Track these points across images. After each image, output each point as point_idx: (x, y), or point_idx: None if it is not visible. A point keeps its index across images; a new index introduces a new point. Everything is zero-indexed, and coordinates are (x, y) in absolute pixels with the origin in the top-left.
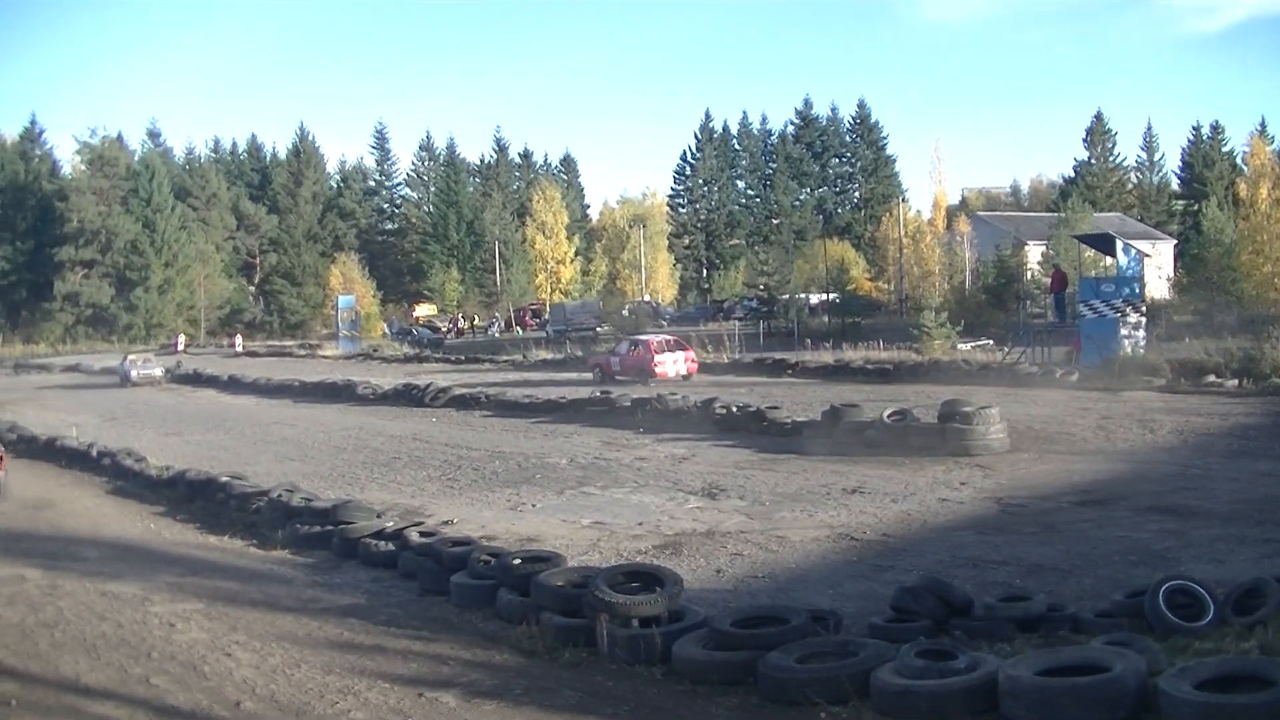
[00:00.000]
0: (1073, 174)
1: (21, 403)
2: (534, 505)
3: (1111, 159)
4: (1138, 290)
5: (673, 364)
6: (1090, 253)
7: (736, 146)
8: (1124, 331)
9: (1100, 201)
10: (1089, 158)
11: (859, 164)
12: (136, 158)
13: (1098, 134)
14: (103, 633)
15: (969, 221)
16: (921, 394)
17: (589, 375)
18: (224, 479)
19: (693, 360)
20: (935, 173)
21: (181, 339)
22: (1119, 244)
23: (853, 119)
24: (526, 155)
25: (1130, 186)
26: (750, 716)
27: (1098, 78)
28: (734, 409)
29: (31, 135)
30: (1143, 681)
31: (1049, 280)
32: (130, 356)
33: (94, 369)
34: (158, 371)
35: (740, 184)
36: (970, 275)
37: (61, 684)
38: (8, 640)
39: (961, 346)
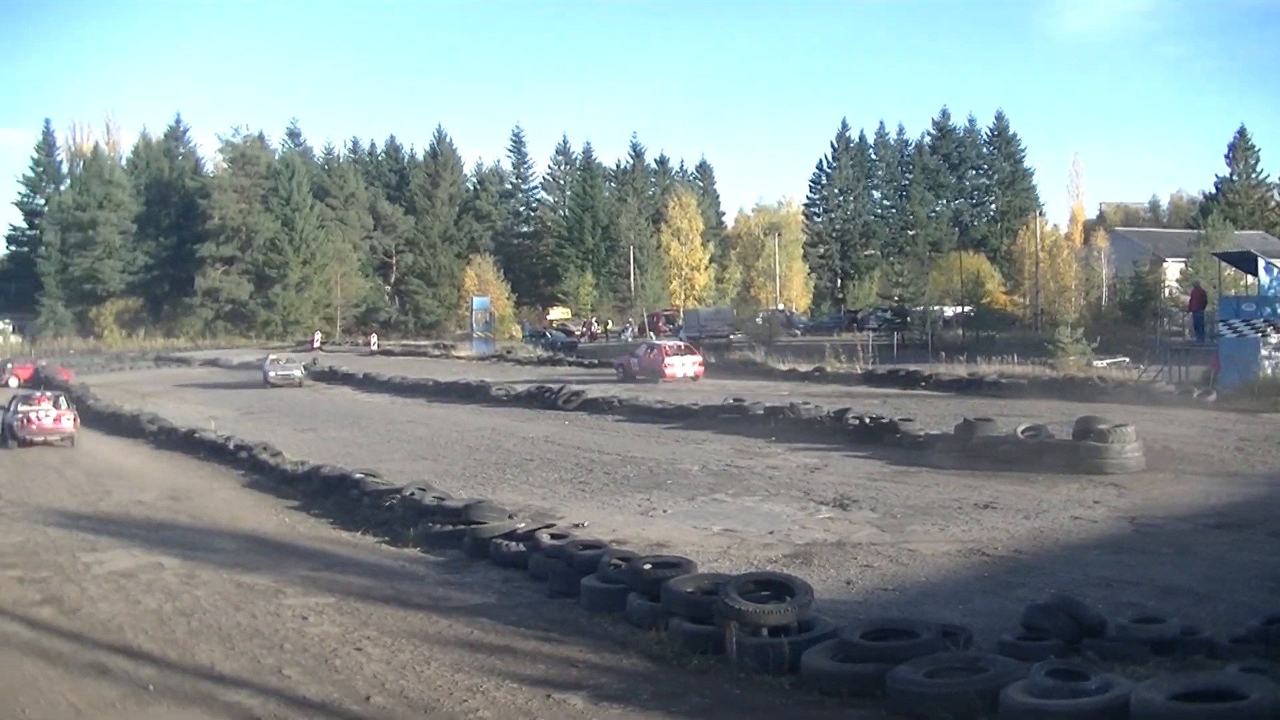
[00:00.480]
0: (1214, 190)
1: (162, 395)
2: (665, 511)
3: (1254, 176)
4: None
5: (681, 366)
6: (1231, 271)
7: (873, 156)
8: (1264, 352)
9: (1242, 219)
10: (1231, 174)
11: (996, 176)
12: (277, 157)
13: (1240, 150)
14: (237, 623)
15: (1106, 237)
16: (1055, 410)
17: (724, 381)
18: (358, 475)
19: (700, 364)
20: (1073, 186)
21: (318, 336)
22: (1261, 262)
23: (990, 130)
24: (663, 161)
25: (1273, 204)
26: None
27: (1241, 92)
28: (867, 420)
29: (176, 133)
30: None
31: (1188, 298)
32: (271, 356)
33: (232, 363)
34: (296, 373)
35: (876, 194)
36: (1107, 291)
37: (197, 671)
38: (146, 626)
39: (1097, 363)
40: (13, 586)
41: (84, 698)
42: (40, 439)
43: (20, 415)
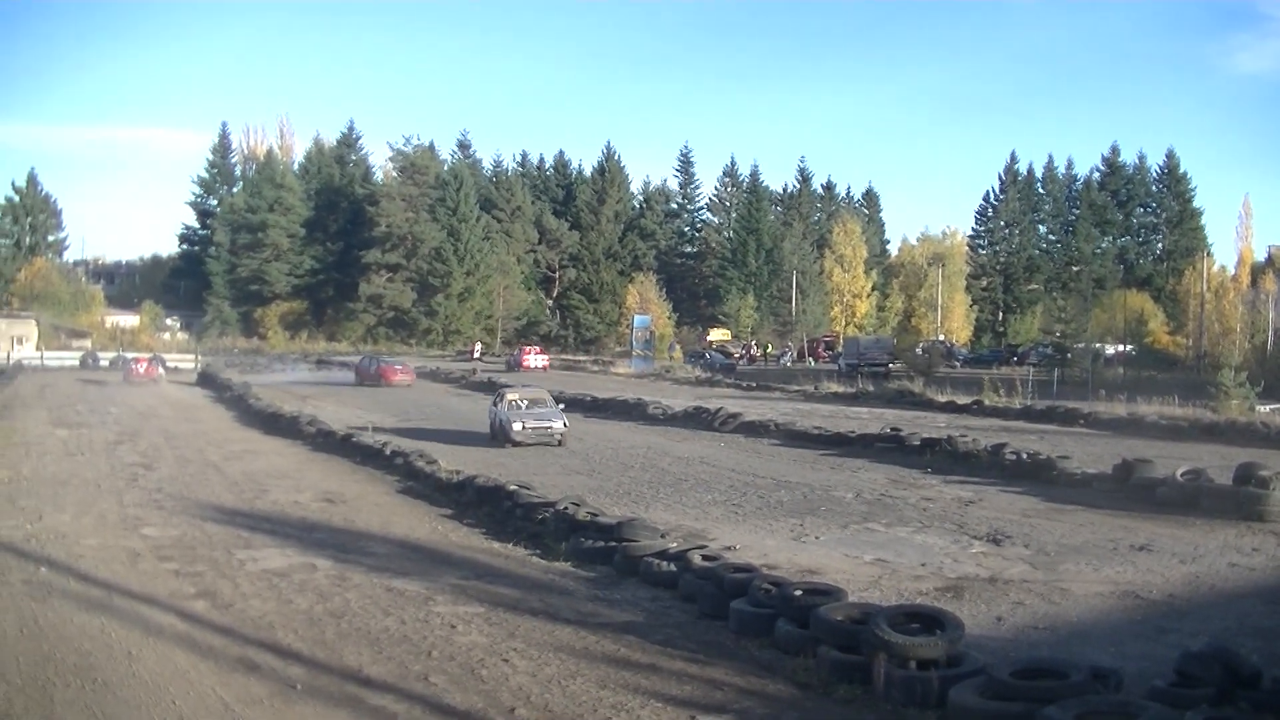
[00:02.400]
0: None
1: (321, 397)
2: (817, 537)
3: None
4: None
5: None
6: None
7: (1040, 190)
8: None
9: None
10: None
11: (1164, 215)
12: (446, 167)
13: None
14: (386, 627)
15: (1275, 280)
16: (1215, 454)
17: (881, 410)
18: (512, 487)
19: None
20: (1242, 228)
21: (478, 347)
22: None
23: (1160, 168)
24: (829, 186)
25: None
26: None
27: None
28: (1024, 455)
29: (348, 141)
30: None
31: None
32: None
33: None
34: (557, 425)
35: (1042, 228)
36: (1273, 335)
37: (344, 673)
38: (296, 626)
39: (1260, 408)
40: (169, 579)
41: (233, 692)
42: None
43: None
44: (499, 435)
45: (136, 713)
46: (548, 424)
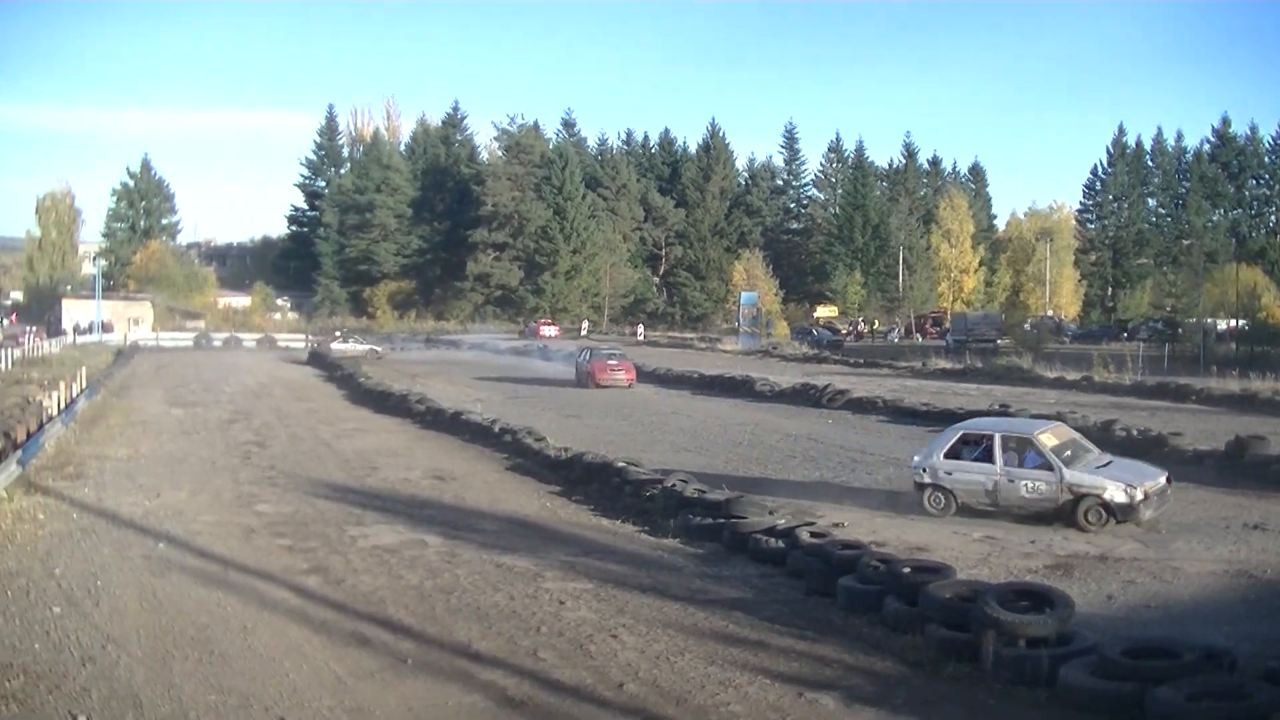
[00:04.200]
0: None
1: (430, 376)
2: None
3: None
4: None
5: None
6: None
7: (1149, 163)
8: None
9: None
10: None
11: (1277, 187)
12: (551, 146)
13: None
14: (495, 603)
15: None
16: None
17: (989, 386)
18: (620, 464)
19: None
20: None
21: (585, 325)
22: None
23: (1272, 139)
24: (935, 162)
25: None
26: None
27: None
28: (1134, 432)
29: (454, 121)
30: None
31: None
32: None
33: (500, 348)
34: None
35: (1151, 201)
36: None
37: (454, 648)
38: (407, 601)
39: None
40: (282, 555)
41: (345, 666)
42: None
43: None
44: None
45: (252, 684)
46: None
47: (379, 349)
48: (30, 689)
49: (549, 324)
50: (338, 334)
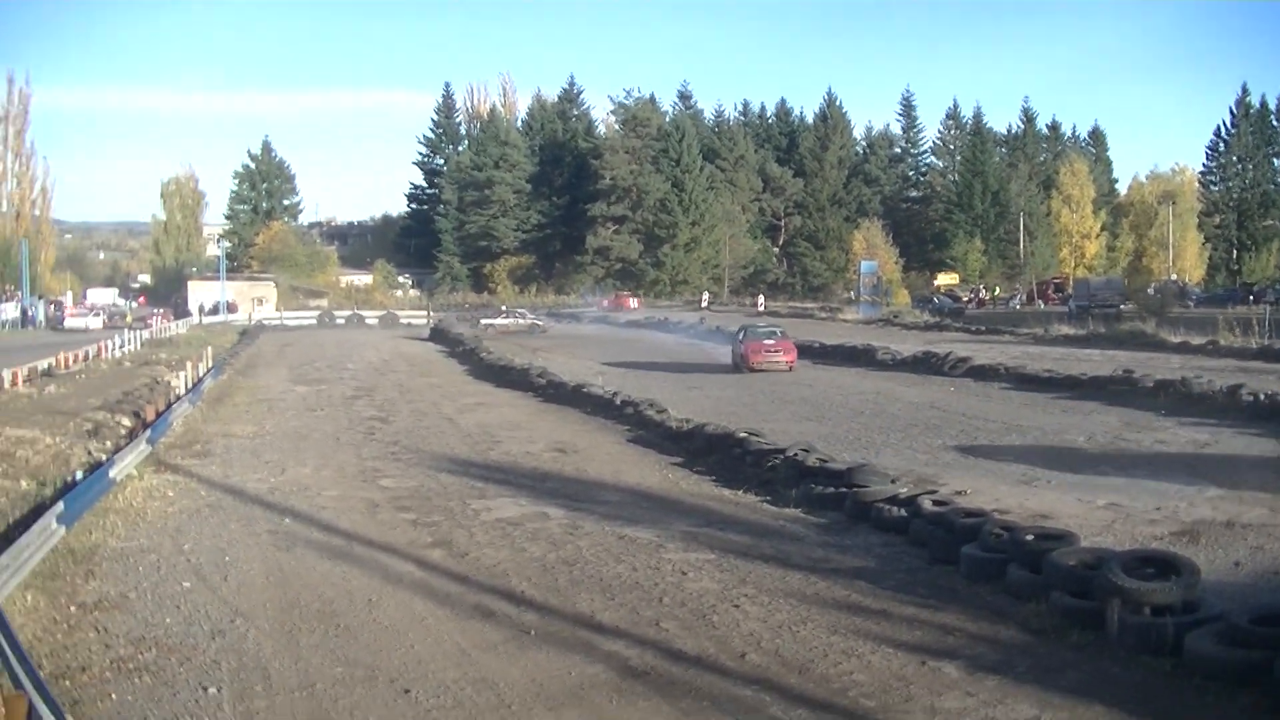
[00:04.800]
0: None
1: (551, 350)
2: (1048, 481)
3: None
4: None
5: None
6: None
7: (1275, 123)
8: None
9: None
10: None
11: None
12: (668, 119)
13: None
14: (618, 574)
15: None
16: None
17: (1113, 352)
18: (741, 435)
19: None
20: None
21: (706, 296)
22: None
23: None
24: (1054, 127)
25: None
26: None
27: None
28: (1262, 397)
29: (570, 96)
30: None
31: None
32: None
33: (619, 321)
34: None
35: (1277, 162)
36: None
37: (577, 618)
38: (530, 573)
39: None
40: (406, 529)
41: (469, 639)
42: None
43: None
44: None
45: (378, 657)
46: None
47: (541, 323)
48: (162, 661)
49: (631, 295)
50: (503, 309)
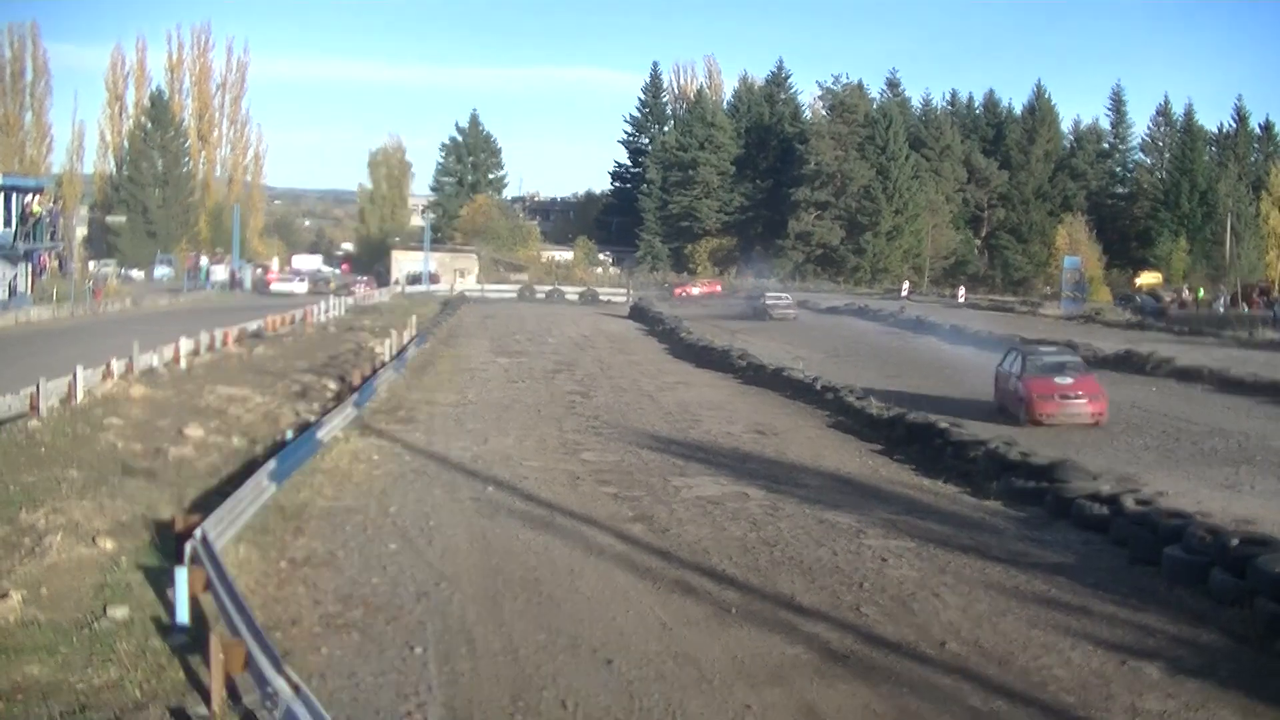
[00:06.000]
0: None
1: (752, 333)
2: (1252, 487)
3: None
4: None
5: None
6: None
7: None
8: None
9: None
10: None
11: None
12: (875, 106)
13: None
14: (818, 557)
15: None
16: None
17: None
18: (943, 425)
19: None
20: None
21: (906, 285)
22: None
23: None
24: (1267, 127)
25: None
26: None
27: None
28: None
29: (778, 79)
30: None
31: None
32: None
33: (820, 307)
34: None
35: None
36: None
37: (777, 599)
38: (730, 552)
39: None
40: (608, 502)
41: (670, 613)
42: None
43: None
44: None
45: (580, 626)
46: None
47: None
48: (370, 620)
49: (706, 284)
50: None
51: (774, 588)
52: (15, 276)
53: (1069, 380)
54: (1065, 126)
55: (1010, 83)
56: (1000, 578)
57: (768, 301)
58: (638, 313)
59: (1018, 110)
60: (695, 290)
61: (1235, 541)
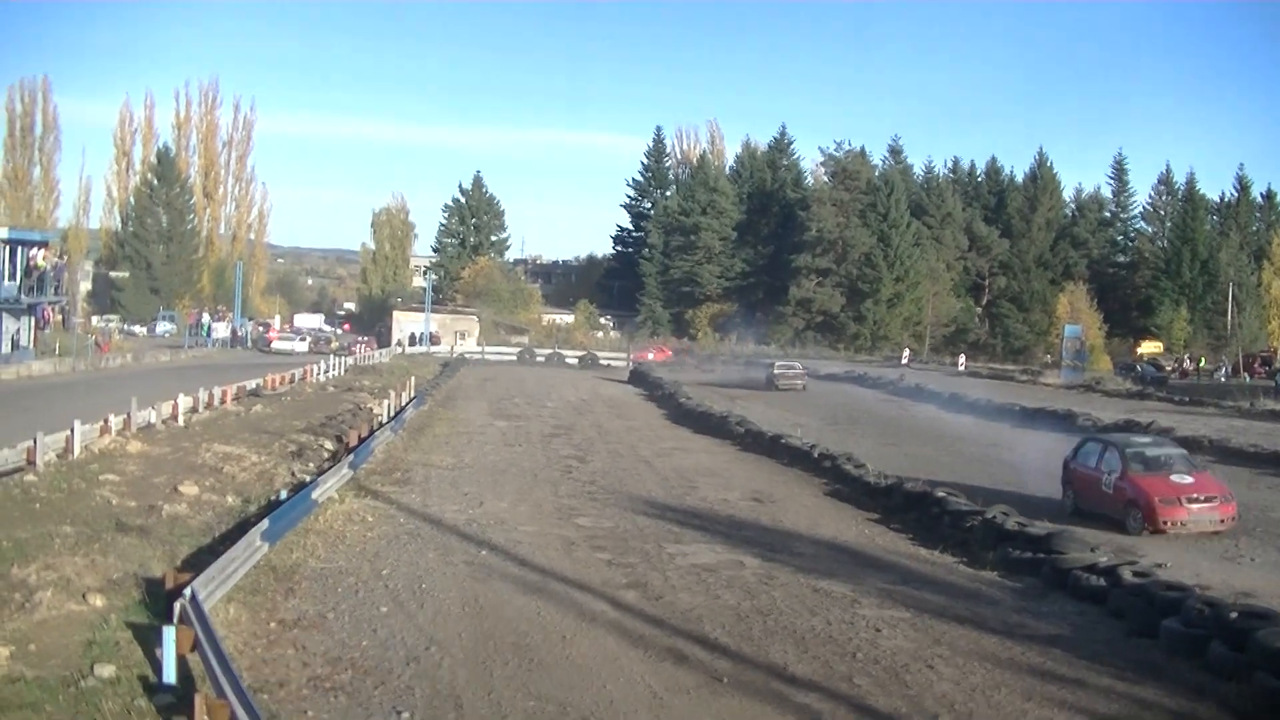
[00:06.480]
0: None
1: (750, 399)
2: (1252, 559)
3: None
4: None
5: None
6: None
7: None
8: None
9: None
10: None
11: None
12: (877, 173)
13: None
14: (812, 627)
15: None
16: None
17: None
18: (940, 494)
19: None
20: None
21: (906, 353)
22: None
23: None
24: (1269, 195)
25: None
26: None
27: None
28: None
29: (781, 145)
30: None
31: None
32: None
33: (818, 373)
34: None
35: None
36: None
37: (770, 669)
38: (724, 620)
39: None
40: (602, 568)
41: (661, 681)
42: None
43: None
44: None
45: (570, 693)
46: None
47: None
48: (358, 683)
49: (658, 350)
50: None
51: (766, 657)
52: (19, 330)
53: (1188, 479)
54: (1067, 194)
55: (1012, 150)
56: (996, 649)
57: (776, 370)
58: (637, 377)
59: (1019, 178)
60: (650, 355)
61: (1234, 614)
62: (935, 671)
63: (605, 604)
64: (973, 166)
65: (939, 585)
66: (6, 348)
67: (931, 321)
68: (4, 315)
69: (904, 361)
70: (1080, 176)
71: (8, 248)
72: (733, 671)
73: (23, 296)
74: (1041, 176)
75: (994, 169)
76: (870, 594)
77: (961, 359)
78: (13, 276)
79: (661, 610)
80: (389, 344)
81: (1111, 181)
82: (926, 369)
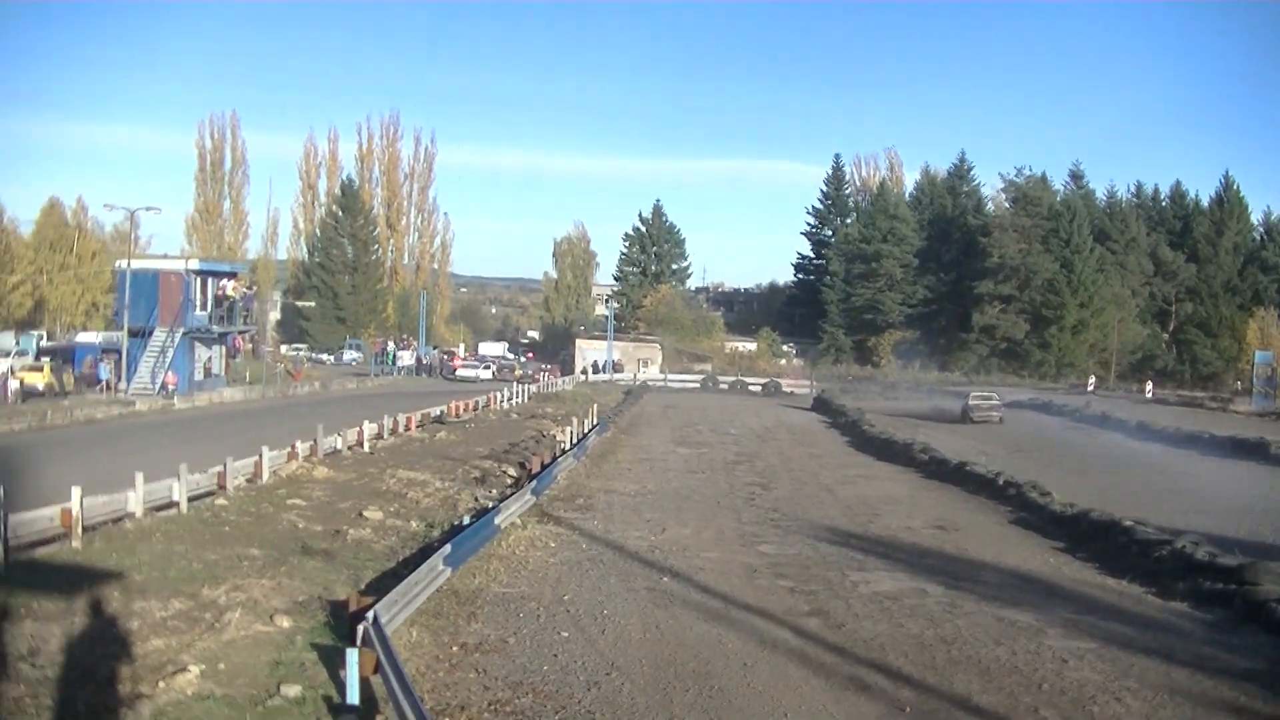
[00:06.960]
0: None
1: (934, 428)
2: None
3: None
4: None
5: None
6: None
7: None
8: None
9: None
10: None
11: None
12: (1059, 198)
13: None
14: (996, 656)
15: None
16: None
17: None
18: (1128, 523)
19: None
20: None
21: (1092, 380)
22: None
23: None
24: None
25: None
26: None
27: None
28: None
29: (960, 172)
30: None
31: None
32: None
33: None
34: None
35: None
36: None
37: (953, 699)
38: (907, 649)
39: None
40: (784, 596)
41: (843, 710)
42: None
43: None
44: None
45: None
46: None
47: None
48: (539, 707)
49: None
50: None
51: (950, 687)
52: (211, 358)
53: None
54: (1255, 218)
55: (1197, 174)
56: (1186, 683)
57: (971, 401)
58: (820, 405)
59: (1205, 202)
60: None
61: None
62: (1123, 704)
63: (787, 631)
64: (1156, 190)
65: (1127, 616)
66: (200, 375)
67: (1117, 348)
68: (197, 344)
69: (1089, 389)
70: (1269, 199)
71: (199, 279)
72: (916, 701)
73: (214, 326)
74: (1228, 199)
75: (1178, 193)
76: (1056, 624)
77: (1149, 386)
78: (204, 306)
79: (844, 638)
80: (572, 371)
81: None
82: (1113, 396)
